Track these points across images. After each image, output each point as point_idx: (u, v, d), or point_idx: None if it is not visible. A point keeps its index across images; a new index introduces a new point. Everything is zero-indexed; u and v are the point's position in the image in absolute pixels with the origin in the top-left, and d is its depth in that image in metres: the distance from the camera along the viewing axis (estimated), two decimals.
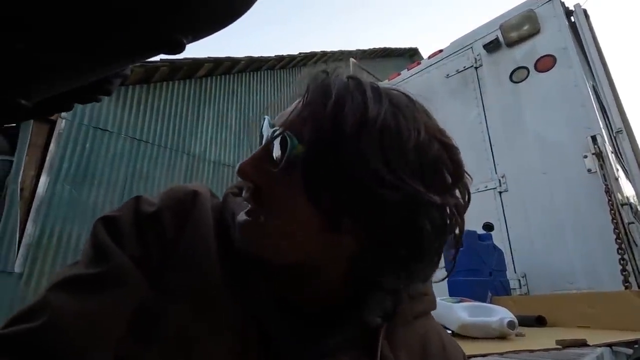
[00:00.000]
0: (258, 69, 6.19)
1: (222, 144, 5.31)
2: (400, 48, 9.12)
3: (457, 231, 0.37)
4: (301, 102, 0.36)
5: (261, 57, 6.09)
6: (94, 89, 0.44)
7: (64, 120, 3.82)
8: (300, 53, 6.82)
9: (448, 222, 0.36)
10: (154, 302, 0.34)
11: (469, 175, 0.38)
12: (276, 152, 0.36)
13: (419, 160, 0.34)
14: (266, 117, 0.41)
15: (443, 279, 0.40)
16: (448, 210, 0.36)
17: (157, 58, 4.53)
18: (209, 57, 5.17)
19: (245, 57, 5.77)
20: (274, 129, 0.37)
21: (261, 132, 0.41)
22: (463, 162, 0.37)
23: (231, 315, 0.35)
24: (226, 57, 5.46)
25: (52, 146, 3.70)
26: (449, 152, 0.36)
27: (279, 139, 0.35)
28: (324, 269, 0.38)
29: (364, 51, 7.99)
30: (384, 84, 0.41)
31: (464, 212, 0.38)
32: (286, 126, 0.36)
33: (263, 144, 0.38)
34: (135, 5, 0.24)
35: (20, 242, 3.34)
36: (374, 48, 8.30)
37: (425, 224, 0.34)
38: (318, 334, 0.37)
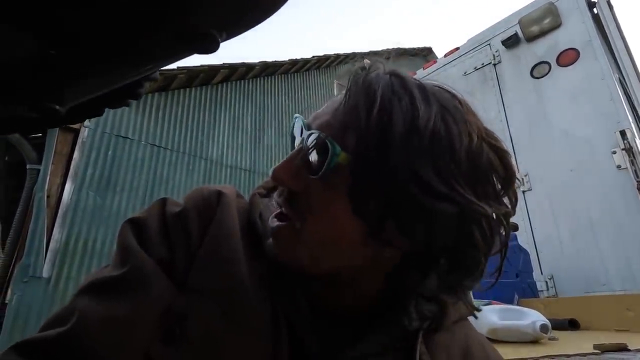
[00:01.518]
0: (272, 73, 6.24)
1: (238, 149, 5.37)
2: (414, 48, 9.04)
3: (504, 239, 0.36)
4: (342, 105, 0.34)
5: (275, 61, 6.14)
6: (125, 93, 0.44)
7: (87, 129, 3.94)
8: (314, 56, 6.84)
9: (497, 232, 0.34)
10: (182, 303, 0.33)
11: (518, 179, 0.37)
12: (313, 157, 0.34)
13: (471, 167, 0.32)
14: (298, 116, 0.39)
15: (488, 289, 0.39)
16: (498, 219, 0.34)
17: (174, 66, 4.63)
18: (224, 64, 5.24)
19: (260, 62, 5.83)
20: (311, 132, 0.35)
21: (292, 133, 0.40)
22: (514, 166, 0.36)
23: (260, 316, 0.34)
24: (241, 63, 5.53)
25: (76, 154, 3.82)
26: (501, 156, 0.35)
27: (316, 142, 0.34)
28: (362, 278, 0.37)
29: (377, 52, 7.95)
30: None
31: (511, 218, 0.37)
32: (326, 131, 0.34)
33: (297, 146, 0.37)
34: (167, 2, 0.24)
35: (47, 247, 3.46)
36: (388, 49, 8.25)
37: (475, 235, 0.32)
38: (352, 338, 0.36)
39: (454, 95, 0.36)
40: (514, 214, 0.37)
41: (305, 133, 0.36)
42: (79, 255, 3.65)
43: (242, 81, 5.77)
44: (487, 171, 0.34)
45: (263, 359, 0.33)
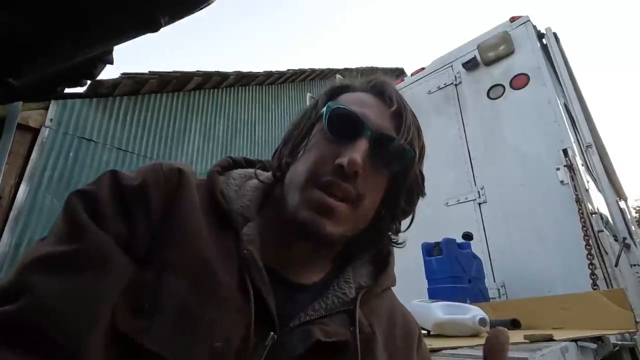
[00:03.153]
0: (247, 84, 6.28)
1: (208, 157, 5.32)
2: (387, 68, 9.41)
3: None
4: (404, 120, 0.47)
5: (250, 72, 6.19)
6: (79, 73, 0.47)
7: (47, 129, 3.79)
8: (289, 70, 6.96)
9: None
10: (149, 278, 0.33)
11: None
12: (383, 153, 0.44)
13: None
14: (348, 107, 0.46)
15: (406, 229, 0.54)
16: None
17: (146, 70, 4.57)
18: (198, 71, 5.24)
19: (234, 72, 5.86)
20: (388, 135, 0.45)
21: (332, 116, 0.45)
22: None
23: (229, 286, 0.36)
24: (215, 72, 5.54)
25: (34, 155, 3.65)
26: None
27: (395, 146, 0.45)
28: (344, 240, 0.46)
29: (351, 70, 8.20)
30: None
31: None
32: (406, 139, 0.45)
33: (365, 137, 0.43)
34: None
35: None
36: (361, 67, 8.54)
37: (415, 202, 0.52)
38: (305, 302, 0.42)
39: None
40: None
41: (378, 133, 0.44)
42: None
43: (216, 90, 5.77)
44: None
45: (234, 326, 0.35)
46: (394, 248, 0.54)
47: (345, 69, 8.08)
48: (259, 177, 0.49)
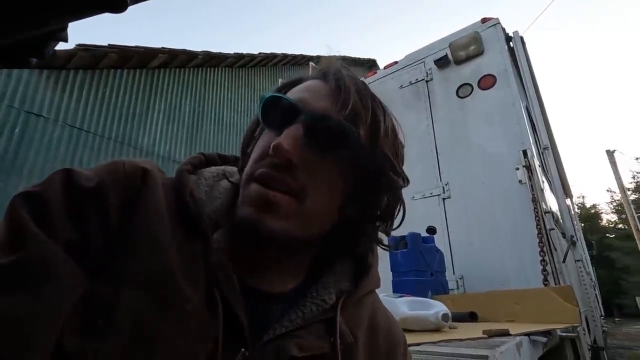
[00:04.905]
0: (216, 65, 6.04)
1: (173, 139, 5.09)
2: (359, 58, 9.41)
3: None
4: (342, 95, 0.40)
5: (220, 53, 5.95)
6: (29, 50, 0.41)
7: None
8: (260, 53, 6.77)
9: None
10: (104, 292, 0.30)
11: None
12: (323, 137, 0.38)
13: (402, 156, 0.46)
14: (281, 95, 0.41)
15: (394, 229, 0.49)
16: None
17: (104, 42, 4.24)
18: (163, 48, 4.94)
19: (203, 51, 5.60)
20: (324, 114, 0.39)
21: (266, 106, 0.41)
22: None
23: (194, 298, 0.33)
24: (182, 50, 5.26)
25: None
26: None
27: (332, 125, 0.38)
28: (310, 245, 0.42)
29: (323, 57, 8.12)
30: None
31: None
32: (346, 116, 0.39)
33: (299, 122, 0.38)
34: None
35: None
36: (334, 55, 8.47)
37: (398, 203, 0.45)
38: (280, 312, 0.39)
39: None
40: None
41: (310, 114, 0.39)
42: None
43: (182, 69, 5.49)
44: (402, 156, 0.47)
45: (199, 342, 0.32)
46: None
47: (318, 57, 7.98)
48: (229, 178, 0.45)
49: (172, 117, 5.16)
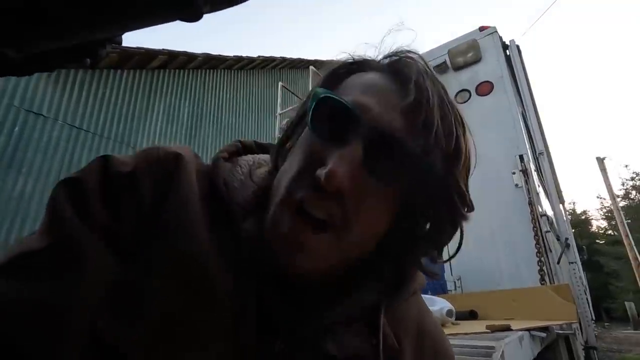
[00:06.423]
0: (215, 67, 6.06)
1: (172, 140, 5.09)
2: None
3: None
4: (422, 114, 0.32)
5: (219, 55, 5.98)
6: (85, 51, 0.43)
7: None
8: (259, 56, 6.81)
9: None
10: (134, 277, 0.30)
11: None
12: (382, 164, 0.32)
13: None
14: (333, 95, 0.33)
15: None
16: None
17: None
18: (163, 49, 4.96)
19: (203, 53, 5.62)
20: (394, 136, 0.32)
21: (316, 108, 0.34)
22: None
23: (222, 288, 0.31)
24: (182, 52, 5.28)
25: None
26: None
27: (393, 149, 0.32)
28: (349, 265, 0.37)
29: (321, 61, 8.19)
30: None
31: None
32: (424, 143, 0.32)
33: (358, 139, 0.31)
34: None
35: None
36: (332, 60, 8.53)
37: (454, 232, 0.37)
38: (319, 307, 0.35)
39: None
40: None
41: (375, 131, 0.32)
42: None
43: (182, 71, 5.50)
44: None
45: (227, 332, 0.30)
46: None
47: (316, 61, 8.05)
48: (264, 166, 0.41)
49: (171, 117, 5.18)
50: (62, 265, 0.28)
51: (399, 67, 0.35)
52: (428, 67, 0.36)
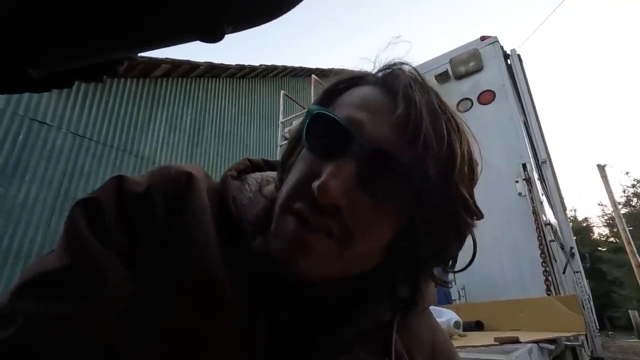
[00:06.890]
0: (218, 75, 6.11)
1: (174, 148, 5.11)
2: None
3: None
4: (411, 126, 0.32)
5: (222, 64, 6.03)
6: (103, 68, 0.43)
7: None
8: (261, 65, 6.87)
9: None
10: (152, 294, 0.30)
11: None
12: (375, 179, 0.32)
13: (477, 179, 0.37)
14: (327, 112, 0.34)
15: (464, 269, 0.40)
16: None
17: None
18: (166, 58, 5.01)
19: (205, 62, 5.68)
20: (385, 150, 0.32)
21: (310, 125, 0.34)
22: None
23: (235, 305, 0.32)
24: (185, 60, 5.33)
25: None
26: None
27: (384, 164, 0.32)
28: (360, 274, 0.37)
29: (322, 70, 8.25)
30: None
31: None
32: (417, 156, 0.31)
33: (351, 156, 0.32)
34: None
35: None
36: (333, 68, 8.61)
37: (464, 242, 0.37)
38: (330, 323, 0.35)
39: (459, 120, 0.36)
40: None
41: (367, 148, 0.32)
42: None
43: (184, 79, 5.55)
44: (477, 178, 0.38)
45: (241, 346, 0.31)
46: None
47: (318, 69, 8.11)
48: (272, 183, 0.42)
49: (174, 126, 5.20)
50: (83, 284, 0.28)
51: (390, 79, 0.35)
52: (419, 76, 0.36)
